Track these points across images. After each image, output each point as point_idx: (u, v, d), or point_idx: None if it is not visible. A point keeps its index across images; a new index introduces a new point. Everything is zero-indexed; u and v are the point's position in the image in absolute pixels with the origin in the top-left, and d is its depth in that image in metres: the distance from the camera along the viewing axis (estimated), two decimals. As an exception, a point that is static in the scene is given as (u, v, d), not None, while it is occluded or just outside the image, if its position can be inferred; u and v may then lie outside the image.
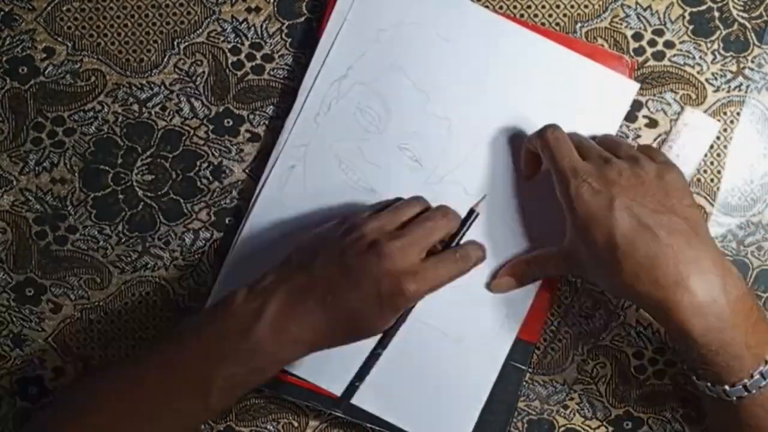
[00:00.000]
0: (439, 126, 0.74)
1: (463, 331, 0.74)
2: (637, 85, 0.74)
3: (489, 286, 0.74)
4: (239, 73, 0.77)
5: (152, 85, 0.77)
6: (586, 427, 0.76)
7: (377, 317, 0.64)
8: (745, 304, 0.62)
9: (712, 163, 0.75)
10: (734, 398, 0.63)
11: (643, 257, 0.62)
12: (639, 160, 0.66)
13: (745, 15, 0.75)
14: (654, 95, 0.76)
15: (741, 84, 0.75)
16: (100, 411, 0.65)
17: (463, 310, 0.74)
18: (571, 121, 0.71)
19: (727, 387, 0.63)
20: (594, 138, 0.72)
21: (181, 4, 0.77)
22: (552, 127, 0.69)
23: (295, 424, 0.78)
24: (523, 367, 0.74)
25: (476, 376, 0.74)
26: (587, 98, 0.73)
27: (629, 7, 0.75)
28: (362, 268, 0.64)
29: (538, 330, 0.75)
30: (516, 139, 0.74)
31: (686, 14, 0.76)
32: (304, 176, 0.75)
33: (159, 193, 0.77)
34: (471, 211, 0.71)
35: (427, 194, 0.73)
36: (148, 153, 0.77)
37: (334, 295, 0.64)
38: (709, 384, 0.64)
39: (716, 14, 0.75)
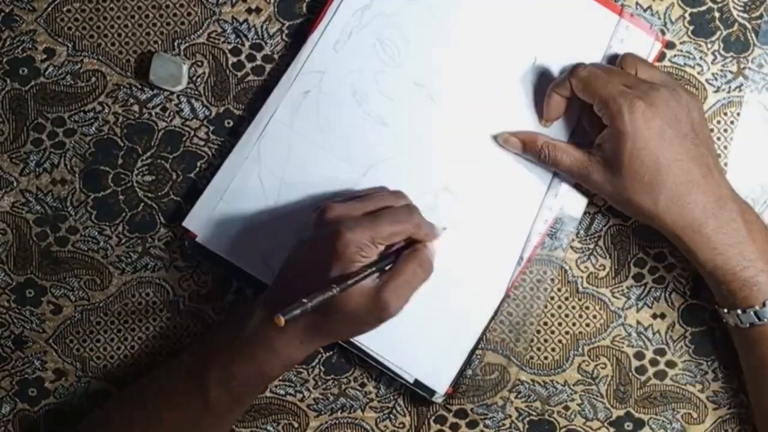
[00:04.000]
0: (458, 66, 0.74)
1: (463, 274, 0.74)
2: (617, 18, 0.74)
3: (496, 136, 0.74)
4: (240, 74, 0.77)
5: (152, 86, 0.77)
6: (587, 428, 0.76)
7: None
8: (761, 226, 0.69)
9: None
10: (766, 320, 0.67)
11: (681, 185, 0.67)
12: (676, 89, 0.69)
13: (745, 15, 0.75)
14: (654, 96, 0.75)
15: (741, 84, 0.75)
16: (113, 413, 0.72)
17: (464, 251, 0.74)
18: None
19: (757, 307, 0.67)
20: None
21: (182, 5, 0.77)
22: (582, 65, 0.70)
23: (295, 425, 0.78)
24: (492, 314, 0.75)
25: (465, 317, 0.74)
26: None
27: (629, 7, 0.75)
28: (322, 253, 0.65)
29: (514, 283, 0.75)
30: (538, 82, 0.74)
31: (686, 15, 0.76)
32: (318, 103, 0.75)
33: (159, 193, 0.77)
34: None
35: (441, 132, 0.74)
36: (149, 154, 0.77)
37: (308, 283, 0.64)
38: (739, 311, 0.68)
39: (716, 15, 0.75)
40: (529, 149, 0.73)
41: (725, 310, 0.69)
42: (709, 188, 0.67)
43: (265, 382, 0.70)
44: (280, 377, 0.77)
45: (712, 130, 0.75)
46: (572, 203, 0.75)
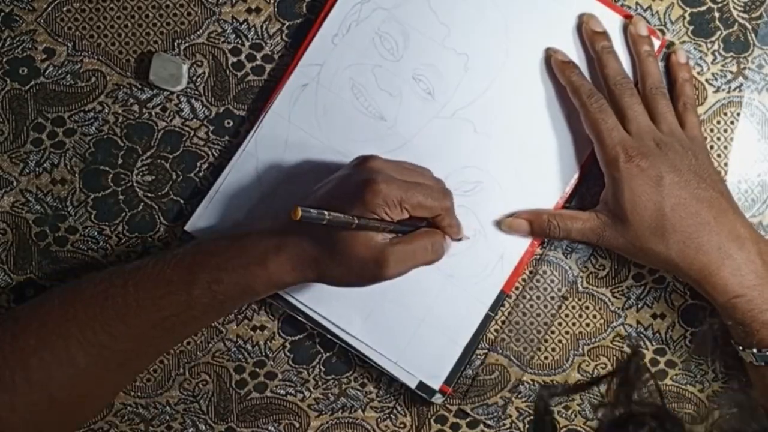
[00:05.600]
0: (456, 61, 0.75)
1: (455, 269, 0.74)
2: (620, 19, 0.74)
3: (500, 223, 0.74)
4: (239, 74, 0.77)
5: (152, 86, 0.77)
6: (588, 428, 0.76)
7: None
8: None
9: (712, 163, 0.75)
10: None
11: (690, 227, 0.67)
12: (680, 138, 0.70)
13: (745, 15, 0.75)
14: (654, 96, 0.76)
15: (741, 85, 0.75)
16: (87, 286, 0.69)
17: (457, 247, 0.74)
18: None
19: None
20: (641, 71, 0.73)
21: (182, 5, 0.77)
22: (595, 96, 0.71)
23: (296, 425, 0.78)
24: (492, 314, 0.75)
25: (461, 315, 0.74)
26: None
27: (629, 7, 0.75)
28: (350, 192, 0.64)
29: (514, 282, 0.75)
30: (533, 82, 0.74)
31: (686, 15, 0.76)
32: (316, 96, 0.75)
33: (159, 193, 0.77)
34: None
35: (437, 128, 0.74)
36: (149, 154, 0.77)
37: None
38: (755, 350, 0.68)
39: (716, 15, 0.75)
40: (536, 227, 0.73)
41: (741, 348, 0.69)
42: (723, 228, 0.68)
43: (248, 296, 0.68)
44: (280, 376, 0.77)
45: (711, 130, 0.75)
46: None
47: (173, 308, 0.67)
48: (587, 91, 0.71)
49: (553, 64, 0.73)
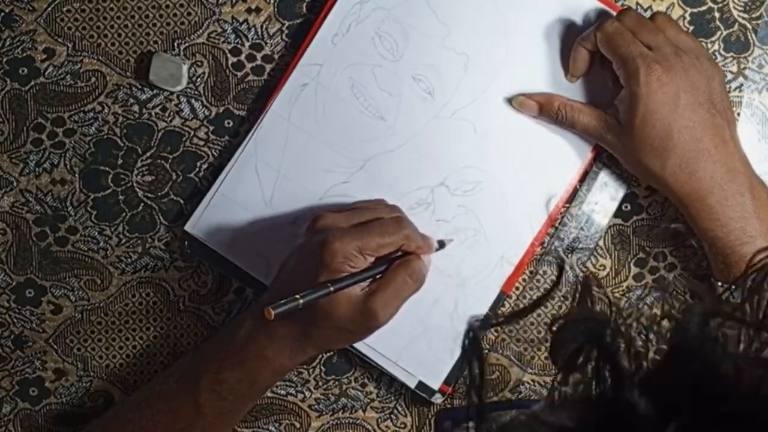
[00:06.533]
0: (456, 61, 0.75)
1: (455, 269, 0.74)
2: None
3: (512, 99, 0.74)
4: (239, 74, 0.77)
5: (152, 86, 0.77)
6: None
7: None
8: None
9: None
10: None
11: (690, 152, 0.67)
12: (699, 57, 0.69)
13: (746, 15, 0.75)
14: (654, 96, 0.75)
15: (741, 85, 0.75)
16: (111, 416, 0.73)
17: (457, 248, 0.74)
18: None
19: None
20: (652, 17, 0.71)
21: (182, 5, 0.77)
22: (611, 19, 0.69)
23: (297, 425, 0.78)
24: (492, 314, 0.75)
25: (461, 316, 0.74)
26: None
27: (630, 7, 0.75)
28: (310, 260, 0.65)
29: (514, 282, 0.75)
30: (533, 82, 0.74)
31: (687, 15, 0.76)
32: (315, 95, 0.75)
33: (159, 194, 0.77)
34: (441, 243, 0.72)
35: (436, 128, 0.74)
36: (149, 154, 0.77)
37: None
38: (732, 287, 0.66)
39: (717, 15, 0.75)
40: (546, 111, 0.73)
41: (720, 284, 0.69)
42: (720, 159, 0.67)
43: (257, 390, 0.69)
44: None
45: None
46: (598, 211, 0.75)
47: (186, 419, 0.68)
48: (606, 19, 0.70)
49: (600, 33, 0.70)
